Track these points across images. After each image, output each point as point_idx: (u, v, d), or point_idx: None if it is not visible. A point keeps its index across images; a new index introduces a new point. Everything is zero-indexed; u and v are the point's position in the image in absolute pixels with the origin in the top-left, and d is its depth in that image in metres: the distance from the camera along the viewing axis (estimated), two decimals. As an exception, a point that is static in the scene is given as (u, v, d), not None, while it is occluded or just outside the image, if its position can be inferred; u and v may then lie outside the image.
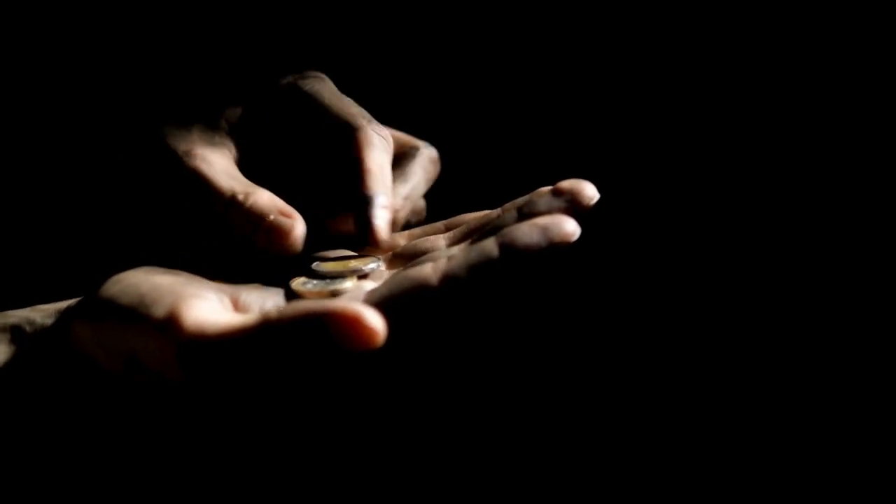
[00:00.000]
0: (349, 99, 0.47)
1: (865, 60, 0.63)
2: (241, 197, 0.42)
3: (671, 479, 0.60)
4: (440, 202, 0.53)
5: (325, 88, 0.46)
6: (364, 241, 0.42)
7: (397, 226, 0.48)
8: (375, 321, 0.30)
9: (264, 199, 0.42)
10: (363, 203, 0.42)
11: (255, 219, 0.41)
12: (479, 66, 0.65)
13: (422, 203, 0.52)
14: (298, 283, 0.38)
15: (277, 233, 0.40)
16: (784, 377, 0.62)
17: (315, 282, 0.38)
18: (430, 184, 0.51)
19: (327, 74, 0.49)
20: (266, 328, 0.31)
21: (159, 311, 0.34)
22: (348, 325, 0.30)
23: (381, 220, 0.42)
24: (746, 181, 0.64)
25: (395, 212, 0.47)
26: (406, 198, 0.48)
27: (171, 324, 0.33)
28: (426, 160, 0.51)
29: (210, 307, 0.35)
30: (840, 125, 0.63)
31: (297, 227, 0.41)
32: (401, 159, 0.50)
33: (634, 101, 0.65)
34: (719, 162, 0.65)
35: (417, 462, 0.55)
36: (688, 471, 0.60)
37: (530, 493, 0.57)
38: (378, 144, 0.44)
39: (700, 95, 0.64)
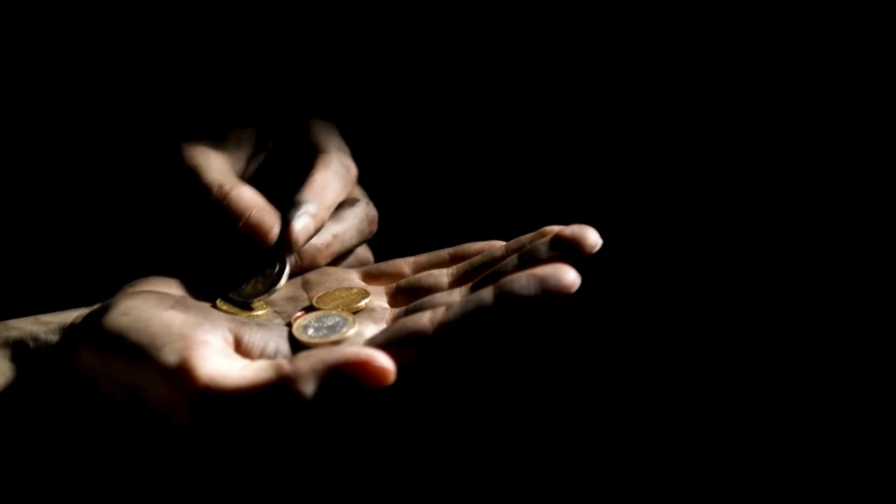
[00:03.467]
0: (341, 140, 0.50)
1: (865, 61, 0.61)
2: (226, 187, 0.45)
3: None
4: (448, 225, 0.53)
5: (323, 128, 0.50)
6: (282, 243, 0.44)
7: (323, 255, 0.48)
8: (385, 361, 0.32)
9: (247, 194, 0.45)
10: (291, 206, 0.45)
11: (238, 212, 0.45)
12: (483, 88, 0.65)
13: (367, 254, 0.53)
14: (300, 330, 0.39)
15: (257, 229, 0.44)
16: (784, 393, 0.61)
17: (316, 326, 0.39)
18: (363, 236, 0.51)
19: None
20: (282, 382, 0.33)
21: (170, 356, 0.34)
22: (361, 368, 0.32)
23: (300, 223, 0.44)
24: (753, 222, 0.63)
25: (326, 245, 0.48)
26: (335, 235, 0.49)
27: (182, 373, 0.34)
28: (362, 211, 0.51)
29: (219, 353, 0.35)
30: (839, 132, 0.62)
31: (275, 228, 0.45)
32: (343, 205, 0.50)
33: (637, 124, 0.65)
34: (722, 200, 0.64)
35: (414, 494, 0.56)
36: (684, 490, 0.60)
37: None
38: (334, 168, 0.47)
39: (700, 115, 0.64)
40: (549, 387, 0.60)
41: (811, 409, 0.61)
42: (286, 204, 0.47)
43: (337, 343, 0.37)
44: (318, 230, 0.47)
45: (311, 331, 0.39)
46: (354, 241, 0.50)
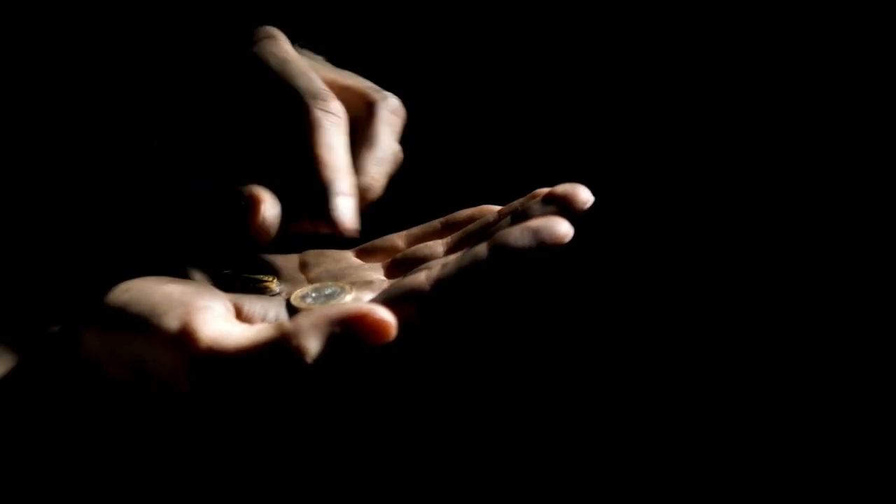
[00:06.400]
0: (299, 63, 0.44)
1: (865, 60, 0.62)
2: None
3: (667, 479, 0.60)
4: (439, 197, 0.53)
5: (273, 52, 0.44)
6: (332, 235, 0.41)
7: (374, 193, 0.45)
8: (386, 314, 0.32)
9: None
10: (321, 195, 0.40)
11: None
12: (478, 62, 0.65)
13: (399, 155, 0.48)
14: (297, 299, 0.39)
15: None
16: (783, 377, 0.62)
17: (314, 296, 0.39)
18: (399, 135, 0.47)
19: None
20: (283, 340, 0.32)
21: (172, 322, 0.34)
22: (362, 322, 0.32)
23: (342, 209, 0.41)
24: (743, 182, 0.64)
25: (372, 180, 0.44)
26: (378, 163, 0.45)
27: (184, 336, 0.34)
28: (388, 115, 0.46)
29: (220, 318, 0.35)
30: (840, 126, 0.63)
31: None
32: (364, 120, 0.46)
33: (632, 98, 0.65)
34: (715, 162, 0.64)
35: (417, 463, 0.56)
36: (684, 471, 0.60)
37: (527, 491, 0.57)
38: (328, 125, 0.42)
39: (697, 96, 0.64)
40: (545, 353, 0.60)
41: (806, 398, 0.62)
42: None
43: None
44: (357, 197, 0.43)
45: (309, 300, 0.39)
46: (394, 147, 0.46)
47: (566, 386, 0.60)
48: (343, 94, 0.46)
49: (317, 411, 0.51)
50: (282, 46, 0.45)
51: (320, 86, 0.43)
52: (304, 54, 0.47)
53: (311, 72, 0.44)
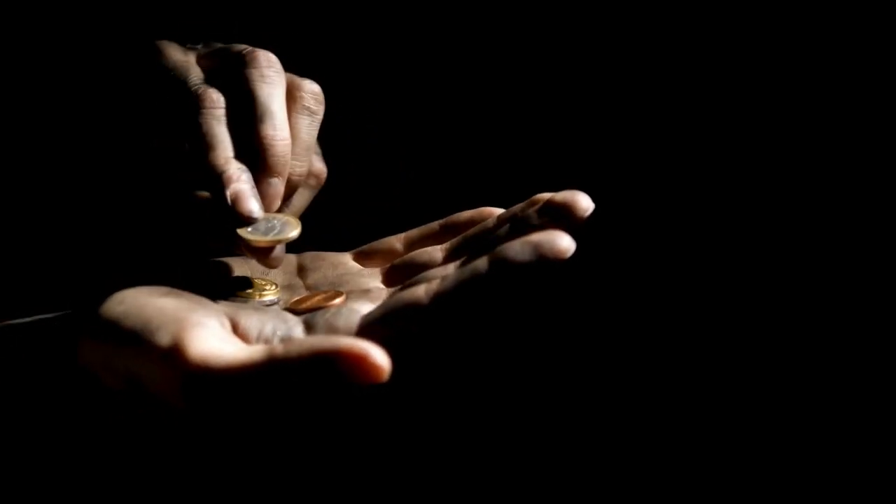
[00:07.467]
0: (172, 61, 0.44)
1: (865, 60, 0.62)
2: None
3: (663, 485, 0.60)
4: (437, 198, 0.52)
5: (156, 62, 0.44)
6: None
7: (293, 183, 0.44)
8: (381, 358, 0.31)
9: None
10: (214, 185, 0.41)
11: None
12: (477, 64, 0.65)
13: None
14: (245, 231, 0.41)
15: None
16: (783, 380, 0.62)
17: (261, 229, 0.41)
18: (318, 118, 0.45)
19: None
20: (272, 364, 0.32)
21: (164, 338, 0.34)
22: (355, 362, 0.31)
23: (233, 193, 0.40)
24: (742, 187, 0.64)
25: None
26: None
27: (175, 353, 0.33)
28: (306, 102, 0.45)
29: (214, 335, 0.35)
30: (840, 127, 0.63)
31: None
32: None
33: (631, 101, 0.65)
34: (714, 168, 0.64)
35: (415, 475, 0.56)
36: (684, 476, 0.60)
37: (525, 496, 0.57)
38: (207, 117, 0.42)
39: (696, 99, 0.64)
40: (545, 365, 0.60)
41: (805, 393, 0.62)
42: None
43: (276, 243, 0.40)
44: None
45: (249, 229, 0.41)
46: (312, 134, 0.45)
47: (565, 396, 0.60)
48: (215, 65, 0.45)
49: (309, 425, 0.51)
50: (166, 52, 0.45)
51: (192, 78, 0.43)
52: (195, 50, 0.47)
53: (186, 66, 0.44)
